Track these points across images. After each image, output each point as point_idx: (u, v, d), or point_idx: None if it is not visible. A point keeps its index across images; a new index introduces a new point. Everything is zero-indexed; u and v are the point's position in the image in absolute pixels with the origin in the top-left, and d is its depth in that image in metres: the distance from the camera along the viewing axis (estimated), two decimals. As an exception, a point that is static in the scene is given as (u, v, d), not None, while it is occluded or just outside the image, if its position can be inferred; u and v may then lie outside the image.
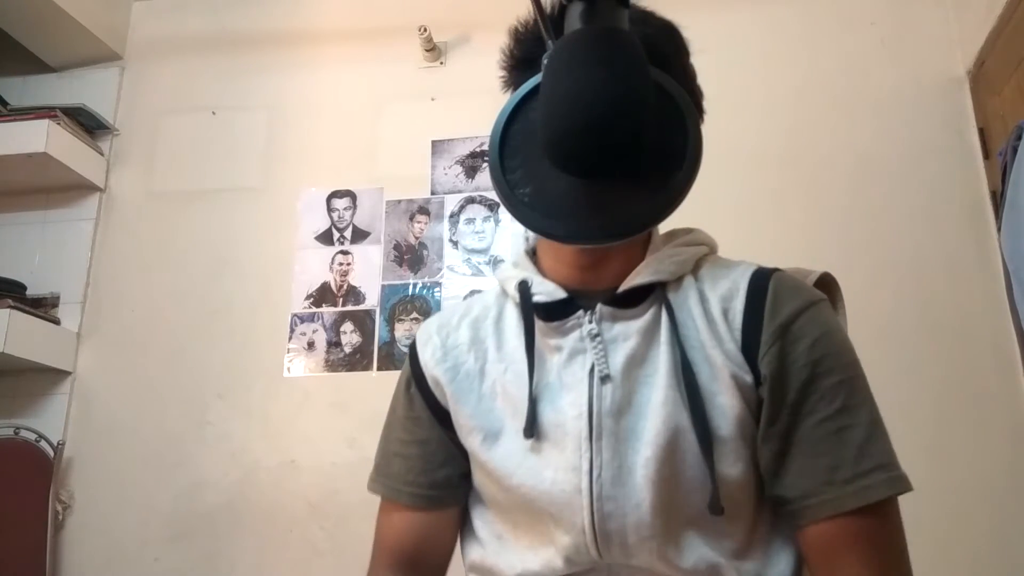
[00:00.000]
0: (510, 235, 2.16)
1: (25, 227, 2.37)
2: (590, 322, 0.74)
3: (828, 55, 2.15)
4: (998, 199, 1.80)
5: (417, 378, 0.84)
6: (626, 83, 0.61)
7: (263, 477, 2.07)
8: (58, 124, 2.25)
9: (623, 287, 0.75)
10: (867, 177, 2.03)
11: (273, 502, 2.05)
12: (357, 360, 2.12)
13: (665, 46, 0.75)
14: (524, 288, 0.78)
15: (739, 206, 2.02)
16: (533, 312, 0.77)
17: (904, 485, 0.68)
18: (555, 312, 0.76)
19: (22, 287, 2.25)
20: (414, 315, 2.13)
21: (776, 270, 0.77)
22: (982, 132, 1.99)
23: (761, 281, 0.74)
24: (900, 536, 0.69)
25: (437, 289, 2.15)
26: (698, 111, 0.79)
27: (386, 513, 0.86)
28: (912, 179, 2.01)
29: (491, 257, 2.16)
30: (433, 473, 0.82)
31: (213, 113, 2.43)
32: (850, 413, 0.69)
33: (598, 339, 0.74)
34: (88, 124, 2.40)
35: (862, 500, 0.67)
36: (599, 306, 0.75)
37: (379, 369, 2.10)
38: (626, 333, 0.74)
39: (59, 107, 2.30)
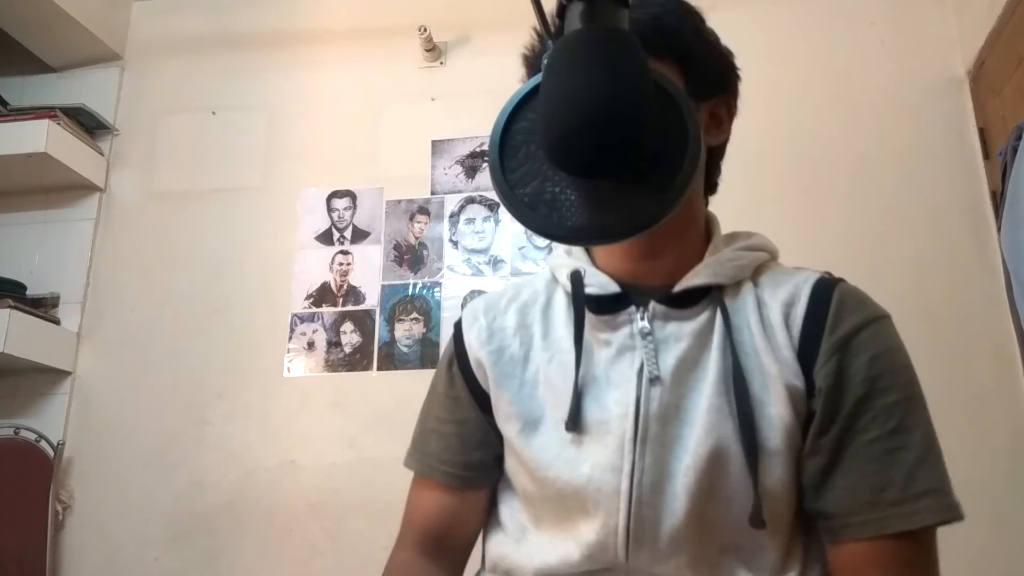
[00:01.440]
0: (510, 235, 2.17)
1: (25, 227, 2.37)
2: (642, 319, 0.74)
3: (828, 55, 2.15)
4: (998, 199, 1.80)
5: (460, 357, 0.84)
6: (626, 83, 0.61)
7: (263, 477, 2.07)
8: (58, 124, 2.25)
9: (679, 287, 0.74)
10: (867, 177, 2.03)
11: (273, 502, 2.05)
12: (357, 360, 2.12)
13: (675, 21, 0.76)
14: (576, 278, 0.78)
15: (740, 206, 2.00)
16: (584, 304, 0.76)
17: (955, 513, 0.67)
18: (606, 305, 0.76)
19: (22, 287, 2.25)
20: (414, 315, 2.13)
21: (840, 280, 0.76)
22: (982, 132, 1.99)
23: (825, 290, 0.74)
24: (935, 565, 0.69)
25: (437, 289, 2.15)
26: (730, 70, 0.82)
27: (418, 489, 0.86)
28: (912, 179, 2.01)
29: (491, 257, 2.16)
30: (468, 454, 0.83)
31: (213, 113, 2.43)
32: (904, 434, 0.68)
33: (649, 338, 0.73)
34: (88, 124, 2.39)
35: (907, 524, 0.66)
36: (652, 304, 0.74)
37: (379, 369, 2.10)
38: (678, 334, 0.73)
39: (59, 107, 2.30)
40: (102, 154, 2.42)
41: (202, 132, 2.42)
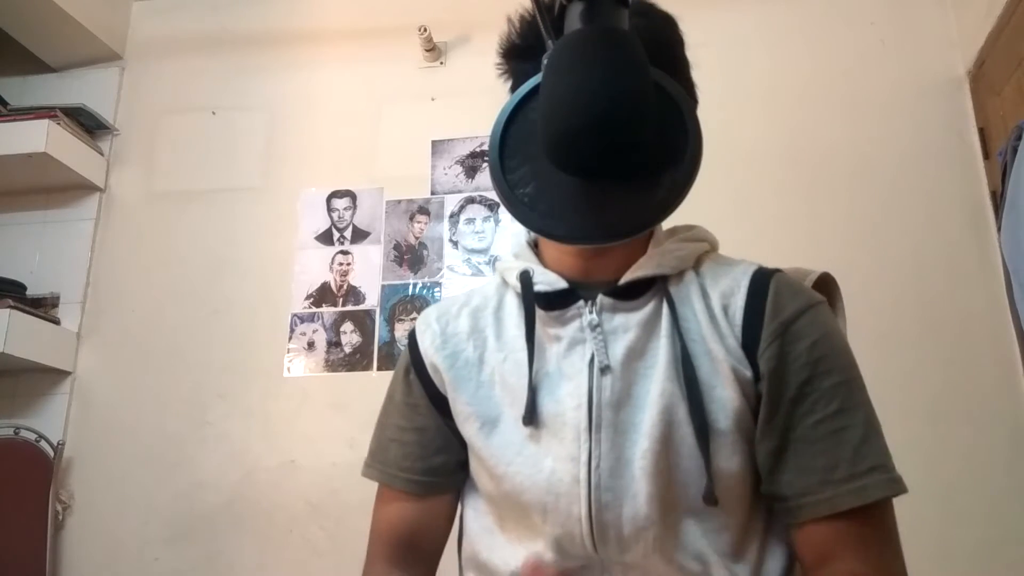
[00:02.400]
0: (510, 235, 2.17)
1: (25, 227, 2.37)
2: (591, 312, 0.75)
3: (828, 55, 2.15)
4: (998, 199, 1.80)
5: (416, 364, 0.84)
6: (626, 83, 0.61)
7: (263, 477, 2.07)
8: (58, 124, 2.25)
9: (624, 279, 0.75)
10: (867, 177, 2.03)
11: (273, 502, 2.05)
12: (357, 360, 2.12)
13: (664, 36, 0.76)
14: (526, 277, 0.79)
15: (739, 206, 2.02)
16: (534, 301, 0.77)
17: (900, 487, 0.69)
18: (556, 302, 0.77)
19: (22, 287, 2.25)
20: (414, 315, 2.13)
21: (777, 271, 0.77)
22: (982, 132, 1.99)
23: (762, 280, 0.75)
24: (895, 537, 0.70)
25: (437, 289, 2.15)
26: (694, 101, 0.80)
27: (382, 500, 0.86)
28: (912, 179, 2.01)
29: (491, 257, 2.16)
30: (429, 459, 0.83)
31: (213, 113, 2.43)
32: (847, 414, 0.70)
33: (598, 330, 0.74)
34: (88, 124, 2.40)
35: (859, 500, 0.67)
36: (600, 297, 0.75)
37: (379, 369, 2.10)
38: (626, 325, 0.74)
39: (59, 107, 2.30)
40: (102, 154, 2.42)
41: (202, 132, 2.42)
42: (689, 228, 0.82)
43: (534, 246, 0.84)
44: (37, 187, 2.36)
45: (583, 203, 0.69)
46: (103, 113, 2.41)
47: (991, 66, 1.93)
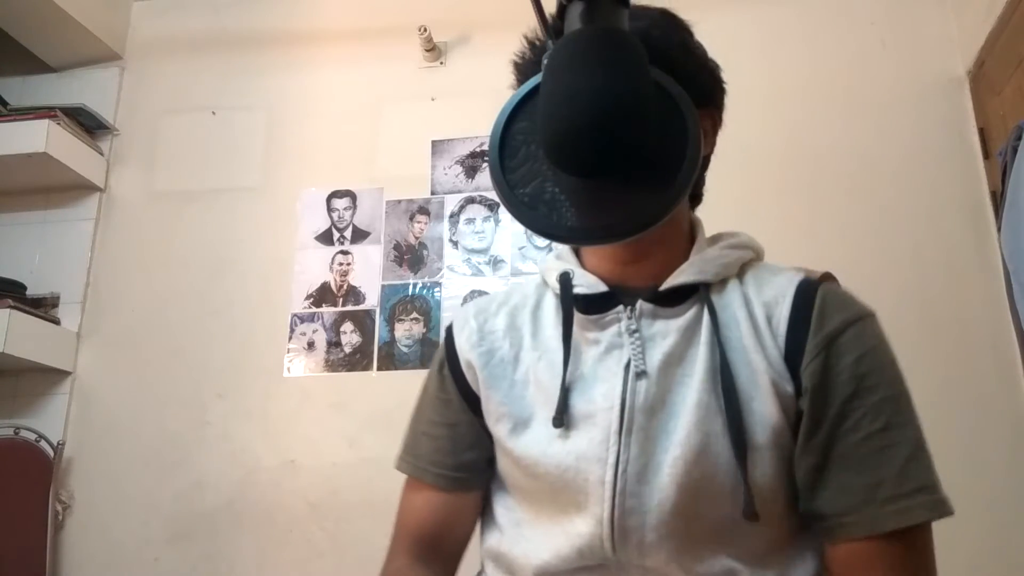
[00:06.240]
0: (510, 235, 2.16)
1: (25, 227, 2.37)
2: (629, 318, 0.75)
3: (828, 55, 2.15)
4: (998, 199, 1.81)
5: (451, 360, 0.84)
6: (625, 83, 0.61)
7: (263, 477, 2.07)
8: (58, 124, 2.25)
9: (665, 285, 0.75)
10: (867, 177, 2.03)
11: (273, 502, 2.05)
12: (357, 360, 2.12)
13: (662, 34, 0.76)
14: (565, 279, 0.79)
15: (740, 206, 2.01)
16: (572, 303, 0.77)
17: (945, 509, 0.68)
18: (595, 305, 0.77)
19: (22, 287, 2.25)
20: (414, 315, 2.13)
21: (824, 280, 0.76)
22: (982, 132, 1.99)
23: (809, 290, 0.74)
24: (932, 561, 0.69)
25: (437, 289, 2.15)
26: (716, 84, 0.81)
27: (410, 492, 0.87)
28: (912, 179, 2.01)
29: (491, 257, 2.16)
30: (460, 455, 0.83)
31: (213, 113, 2.43)
32: (894, 431, 0.69)
33: (636, 335, 0.74)
34: (88, 124, 2.39)
35: (902, 522, 0.66)
36: (639, 302, 0.75)
37: (379, 369, 2.10)
38: (665, 331, 0.74)
39: (59, 107, 2.30)
40: (102, 154, 2.42)
41: (202, 132, 2.42)
42: (733, 235, 0.82)
43: (575, 248, 0.84)
44: (37, 187, 2.36)
45: (583, 203, 0.69)
46: (103, 113, 2.41)
47: (991, 66, 1.93)
